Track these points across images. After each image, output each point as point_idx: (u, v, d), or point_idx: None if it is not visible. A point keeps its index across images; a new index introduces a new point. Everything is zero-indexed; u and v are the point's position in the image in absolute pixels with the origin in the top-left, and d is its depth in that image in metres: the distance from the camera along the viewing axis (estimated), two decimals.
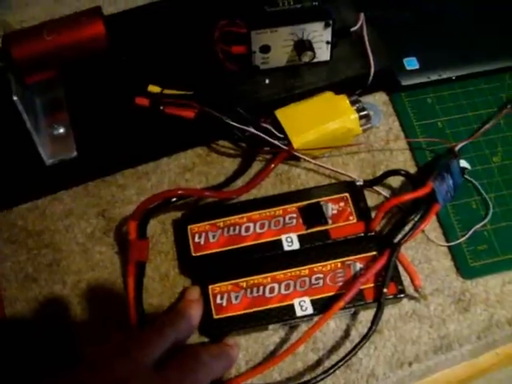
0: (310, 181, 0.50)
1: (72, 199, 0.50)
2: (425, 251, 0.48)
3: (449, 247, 0.48)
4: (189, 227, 0.46)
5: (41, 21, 0.45)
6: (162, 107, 0.49)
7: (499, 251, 0.47)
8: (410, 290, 0.45)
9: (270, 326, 0.44)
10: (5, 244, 0.48)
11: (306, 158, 0.49)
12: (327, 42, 0.49)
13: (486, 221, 0.48)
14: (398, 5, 0.56)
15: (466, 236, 0.48)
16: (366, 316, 0.45)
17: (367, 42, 0.51)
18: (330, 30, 0.48)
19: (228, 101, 0.49)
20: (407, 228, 0.45)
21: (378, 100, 0.54)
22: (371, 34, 0.52)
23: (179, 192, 0.45)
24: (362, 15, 0.51)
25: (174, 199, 0.46)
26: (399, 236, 0.45)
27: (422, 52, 0.53)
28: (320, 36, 0.49)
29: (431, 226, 0.48)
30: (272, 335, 0.45)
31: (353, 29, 0.51)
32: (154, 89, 0.50)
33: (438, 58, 0.53)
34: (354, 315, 0.45)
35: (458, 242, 0.48)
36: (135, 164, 0.50)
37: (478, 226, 0.48)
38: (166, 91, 0.49)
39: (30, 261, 0.48)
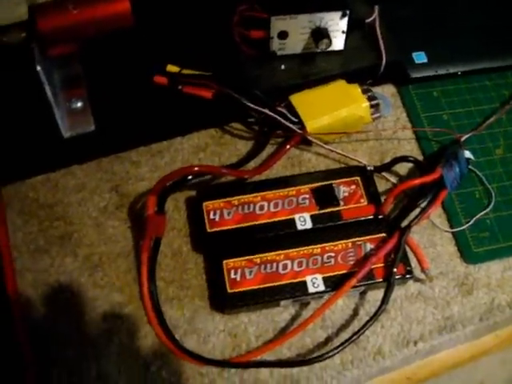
0: (321, 165, 0.52)
1: (85, 174, 0.50)
2: (430, 236, 0.49)
3: (453, 233, 0.49)
4: (204, 204, 0.47)
5: None
6: (180, 86, 0.50)
7: (501, 238, 0.49)
8: (416, 271, 0.47)
9: (282, 303, 0.45)
10: (17, 215, 0.48)
11: (318, 143, 0.51)
12: (343, 32, 0.51)
13: (488, 209, 0.50)
14: (409, 0, 0.58)
15: (470, 223, 0.49)
16: (373, 296, 0.46)
17: (379, 35, 0.53)
18: (346, 19, 0.50)
19: (245, 84, 0.50)
20: (416, 212, 0.47)
21: (387, 92, 0.56)
22: (383, 27, 0.54)
23: (196, 169, 0.46)
24: (376, 8, 0.53)
25: (191, 177, 0.47)
26: (408, 219, 0.46)
27: (430, 47, 0.55)
28: (336, 25, 0.50)
29: (436, 212, 0.50)
30: (282, 312, 0.45)
31: (367, 20, 0.53)
32: (172, 68, 0.50)
33: (446, 54, 0.55)
34: (362, 295, 0.46)
35: (462, 228, 0.49)
36: (150, 142, 0.51)
37: (480, 214, 0.50)
38: (185, 71, 0.50)
39: (42, 232, 0.48)
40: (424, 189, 0.48)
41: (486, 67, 0.56)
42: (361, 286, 0.45)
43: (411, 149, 0.53)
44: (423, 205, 0.47)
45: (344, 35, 0.51)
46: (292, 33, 0.50)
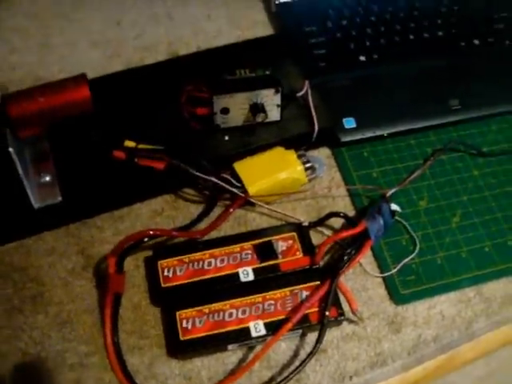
0: (264, 223, 0.58)
1: (55, 239, 0.56)
2: (362, 281, 0.56)
3: (383, 278, 0.56)
4: (159, 262, 0.53)
5: (27, 83, 0.53)
6: (136, 159, 0.56)
7: (425, 280, 0.56)
8: (350, 315, 0.53)
9: (230, 347, 0.50)
10: None
11: (260, 204, 0.57)
12: (277, 105, 0.59)
13: (413, 255, 0.57)
14: (337, 72, 0.66)
15: (397, 268, 0.56)
16: (312, 338, 0.52)
17: (311, 105, 0.61)
18: (279, 95, 0.58)
19: (193, 155, 0.57)
20: (345, 260, 0.53)
21: (323, 154, 0.63)
22: (315, 98, 0.62)
23: (151, 232, 0.53)
24: (306, 82, 0.61)
25: (147, 239, 0.53)
26: (338, 267, 0.52)
27: (358, 112, 0.63)
28: (271, 100, 0.58)
29: (368, 259, 0.57)
30: (231, 355, 0.51)
31: (299, 94, 0.61)
32: (129, 144, 0.57)
33: (372, 118, 0.63)
34: (303, 337, 0.52)
35: (391, 273, 0.56)
36: (112, 209, 0.58)
37: (407, 259, 0.56)
38: (141, 146, 0.57)
39: (16, 293, 0.53)
40: (354, 239, 0.54)
41: (409, 128, 0.63)
42: (298, 328, 0.51)
43: (344, 205, 0.60)
44: (352, 252, 0.53)
45: (279, 108, 0.59)
46: (232, 108, 0.58)
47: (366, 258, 0.57)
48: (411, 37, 0.70)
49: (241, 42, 0.67)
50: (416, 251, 0.57)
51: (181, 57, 0.66)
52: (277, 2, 0.72)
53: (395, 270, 0.56)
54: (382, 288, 0.56)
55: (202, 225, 0.57)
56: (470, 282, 0.56)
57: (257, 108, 0.58)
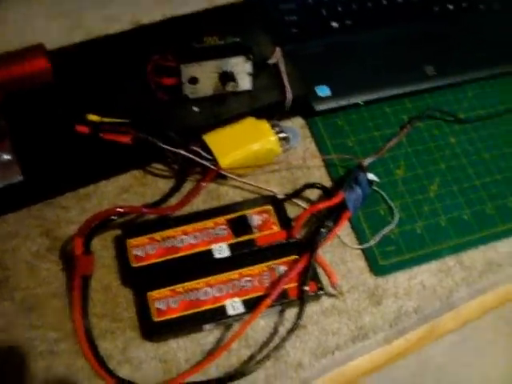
0: (237, 197, 0.56)
1: (17, 221, 0.53)
2: (341, 254, 0.54)
3: (362, 249, 0.54)
4: (128, 241, 0.51)
5: None
6: (100, 134, 0.53)
7: (405, 251, 0.54)
8: (329, 289, 0.51)
9: (206, 327, 0.48)
10: None
11: (233, 177, 0.55)
12: (248, 74, 0.56)
13: (392, 225, 0.55)
14: (310, 39, 0.63)
15: (376, 239, 0.54)
16: (291, 314, 0.50)
17: (284, 73, 0.58)
18: (250, 63, 0.55)
19: (161, 127, 0.54)
20: (323, 233, 0.51)
21: (296, 124, 0.61)
22: (287, 66, 0.59)
23: (119, 209, 0.50)
24: (278, 49, 0.58)
25: (115, 217, 0.50)
26: (316, 240, 0.51)
27: (332, 80, 0.61)
28: (242, 68, 0.55)
29: (345, 231, 0.55)
30: (208, 335, 0.49)
31: (270, 61, 0.58)
32: (93, 117, 0.54)
33: (347, 86, 0.61)
34: (281, 313, 0.51)
35: (370, 244, 0.54)
36: (76, 187, 0.55)
37: (385, 230, 0.55)
38: (105, 119, 0.54)
39: None
40: (331, 211, 0.53)
41: (384, 96, 0.61)
42: (276, 305, 0.49)
43: (320, 175, 0.58)
44: (330, 225, 0.52)
45: (250, 77, 0.56)
46: (201, 78, 0.55)
47: (343, 230, 0.55)
48: (384, 2, 0.68)
49: (209, 8, 0.64)
50: (395, 221, 0.56)
51: (146, 25, 0.62)
52: None
53: (374, 241, 0.54)
54: (361, 260, 0.54)
55: (173, 200, 0.54)
56: (450, 250, 0.55)
57: (226, 77, 0.55)
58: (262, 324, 0.50)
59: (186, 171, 0.55)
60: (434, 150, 0.60)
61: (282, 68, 0.58)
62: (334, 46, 0.63)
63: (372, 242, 0.54)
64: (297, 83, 0.59)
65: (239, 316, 0.48)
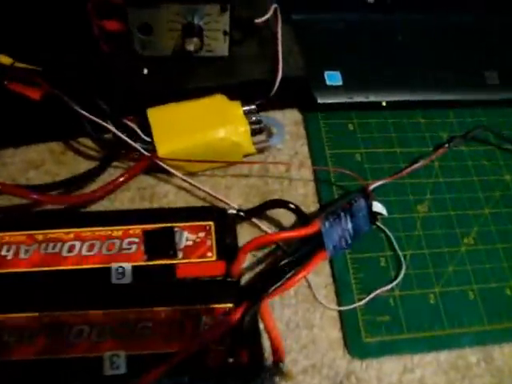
0: (180, 201, 0.39)
1: None
2: (307, 313, 0.36)
3: (339, 312, 0.36)
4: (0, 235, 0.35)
5: None
6: (5, 82, 0.38)
7: (405, 327, 0.36)
8: (273, 365, 0.33)
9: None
10: None
11: (177, 174, 0.38)
12: (224, 32, 0.39)
13: (393, 284, 0.37)
14: (331, 10, 0.46)
15: (365, 300, 0.36)
16: None
17: (279, 42, 0.41)
18: (227, 16, 0.38)
19: (87, 88, 0.38)
20: (278, 278, 0.33)
21: (290, 118, 0.44)
22: (288, 35, 0.42)
23: None
24: (273, 6, 0.41)
25: None
26: (263, 287, 0.33)
27: (348, 67, 0.43)
28: (215, 23, 0.39)
29: (321, 280, 0.37)
30: None
31: (258, 20, 0.41)
32: (3, 59, 0.39)
33: (367, 78, 0.43)
34: None
35: (353, 306, 0.36)
36: None
37: (382, 289, 0.37)
38: (18, 64, 0.39)
39: None
40: (299, 248, 0.35)
41: (417, 99, 0.43)
42: (180, 375, 0.31)
43: (305, 193, 0.40)
44: (291, 269, 0.34)
45: (227, 37, 0.39)
46: (157, 28, 0.39)
47: (319, 277, 0.37)
48: None
49: None
50: (399, 278, 0.37)
51: None
52: None
53: (362, 302, 0.36)
54: (335, 328, 0.36)
55: (86, 190, 0.38)
56: (475, 339, 0.36)
57: (191, 30, 0.38)
58: None
59: (112, 153, 0.39)
60: (479, 186, 0.42)
61: (279, 34, 0.41)
62: (360, 25, 0.46)
63: (358, 304, 0.36)
64: (297, 60, 0.42)
65: (119, 380, 0.31)
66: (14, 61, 0.39)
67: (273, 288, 0.33)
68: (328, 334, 0.36)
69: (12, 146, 0.41)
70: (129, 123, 0.38)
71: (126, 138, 0.37)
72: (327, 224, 0.34)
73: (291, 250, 0.35)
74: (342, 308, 0.36)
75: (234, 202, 0.39)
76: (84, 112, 0.37)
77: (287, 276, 0.33)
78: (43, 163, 0.40)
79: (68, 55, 0.40)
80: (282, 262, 0.34)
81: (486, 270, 0.38)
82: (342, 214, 0.35)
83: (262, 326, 0.33)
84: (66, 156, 0.41)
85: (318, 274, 0.37)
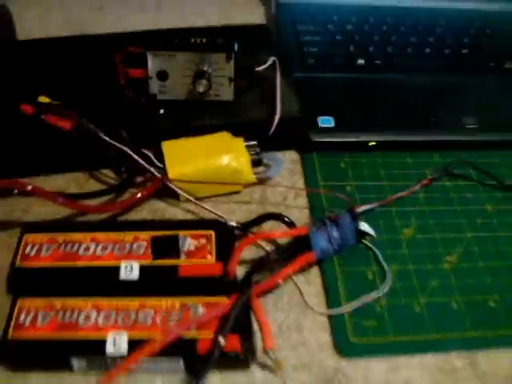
0: None
1: None
2: (299, 316, 0.39)
3: (329, 316, 0.39)
4: (26, 236, 0.40)
5: None
6: (43, 115, 0.45)
7: (391, 331, 0.38)
8: (263, 355, 0.36)
9: (75, 363, 0.34)
10: None
11: (186, 196, 0.43)
12: (230, 79, 0.46)
13: (380, 293, 0.40)
14: (327, 71, 0.53)
15: (353, 306, 0.39)
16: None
17: (278, 90, 0.48)
18: (232, 64, 0.45)
19: (113, 123, 0.44)
20: (266, 271, 0.37)
21: (288, 157, 0.49)
22: (286, 83, 0.49)
23: (28, 187, 0.40)
24: (272, 58, 0.48)
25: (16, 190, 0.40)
26: (253, 279, 0.36)
27: (340, 112, 0.49)
28: (222, 70, 0.46)
29: (313, 288, 0.40)
30: (80, 379, 0.35)
31: (257, 68, 0.48)
32: (43, 99, 0.46)
33: (357, 120, 0.49)
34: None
35: (341, 311, 0.39)
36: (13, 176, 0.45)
37: (369, 296, 0.40)
38: (54, 102, 0.46)
39: None
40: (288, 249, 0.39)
41: (406, 140, 0.48)
42: (173, 357, 0.34)
43: (299, 217, 0.44)
44: (278, 266, 0.37)
45: (232, 83, 0.46)
46: (172, 74, 0.46)
47: (310, 286, 0.40)
48: (427, 50, 0.57)
49: (218, 26, 0.57)
50: (384, 288, 0.40)
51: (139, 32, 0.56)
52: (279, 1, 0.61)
53: (349, 308, 0.39)
54: (325, 331, 0.38)
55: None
56: (460, 344, 0.38)
57: (201, 76, 0.45)
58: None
59: (131, 177, 0.44)
60: (461, 214, 0.45)
61: (277, 83, 0.48)
62: (352, 81, 0.52)
63: (346, 309, 0.39)
64: (292, 104, 0.48)
65: (120, 358, 0.34)
66: (51, 101, 0.46)
67: (262, 281, 0.36)
68: (317, 335, 0.38)
69: (44, 173, 0.47)
70: (145, 151, 0.44)
71: (142, 162, 0.43)
72: (314, 228, 0.38)
73: (280, 250, 0.39)
74: (330, 311, 0.39)
75: (235, 222, 0.43)
76: (108, 139, 0.43)
77: (275, 271, 0.36)
78: (68, 189, 0.46)
79: (102, 100, 0.47)
80: (271, 259, 0.37)
81: (469, 284, 0.41)
82: (328, 222, 0.39)
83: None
84: (88, 184, 0.46)
85: (310, 284, 0.40)
